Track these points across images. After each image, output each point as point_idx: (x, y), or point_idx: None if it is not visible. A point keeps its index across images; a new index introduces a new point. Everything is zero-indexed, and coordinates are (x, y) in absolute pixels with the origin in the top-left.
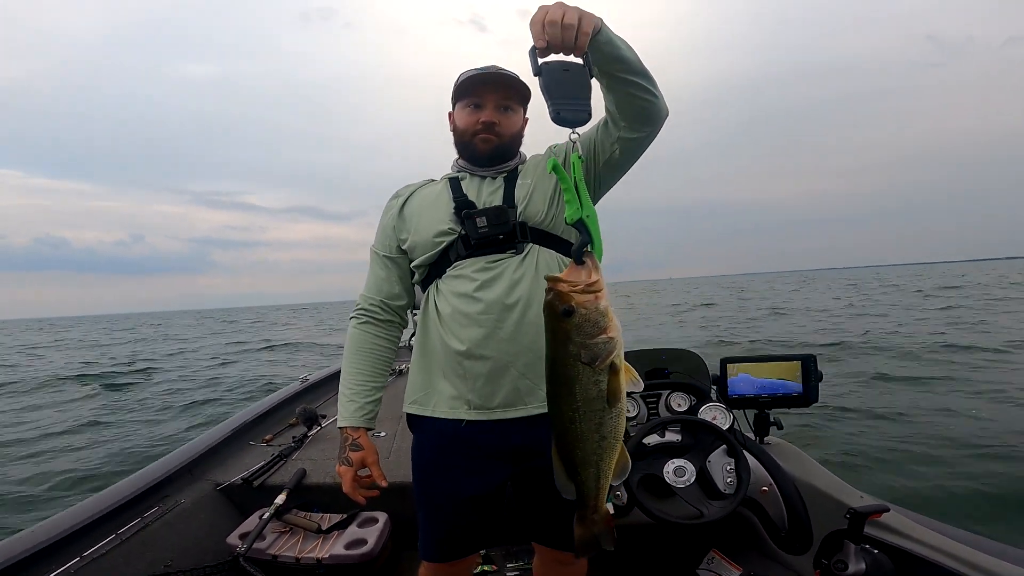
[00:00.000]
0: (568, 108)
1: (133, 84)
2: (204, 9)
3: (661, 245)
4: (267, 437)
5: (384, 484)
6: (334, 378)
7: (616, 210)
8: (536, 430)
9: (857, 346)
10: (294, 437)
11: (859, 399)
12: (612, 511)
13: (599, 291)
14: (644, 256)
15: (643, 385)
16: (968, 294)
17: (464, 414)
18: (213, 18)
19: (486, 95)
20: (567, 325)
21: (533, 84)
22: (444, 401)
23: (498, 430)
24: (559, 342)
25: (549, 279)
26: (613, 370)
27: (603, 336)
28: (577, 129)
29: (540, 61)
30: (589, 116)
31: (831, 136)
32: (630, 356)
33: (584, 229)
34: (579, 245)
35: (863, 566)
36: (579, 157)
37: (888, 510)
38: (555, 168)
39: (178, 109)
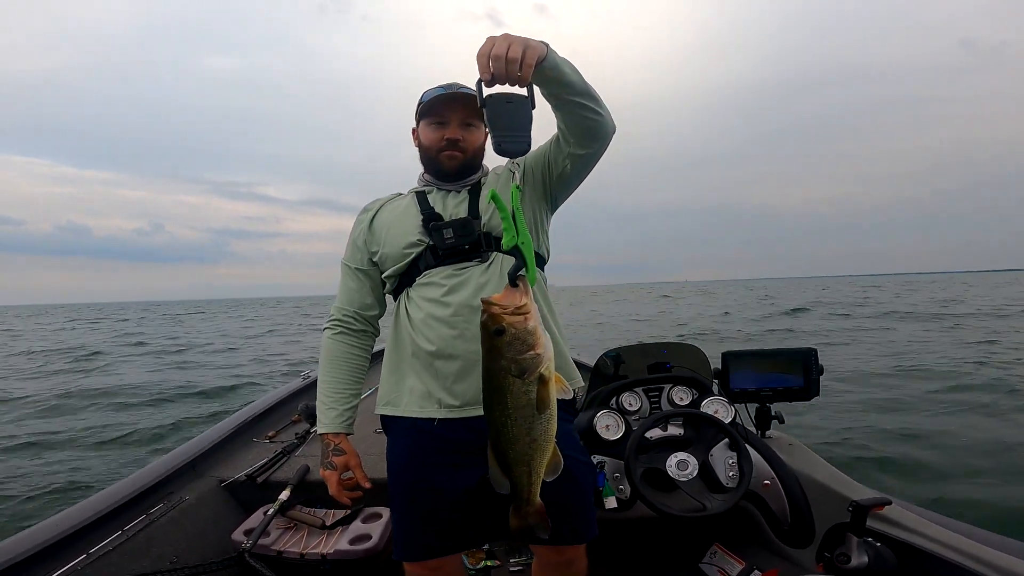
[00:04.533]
0: (509, 140)
1: (156, 76)
2: (226, 1)
3: (676, 248)
4: (270, 434)
5: (367, 485)
6: None
7: (644, 212)
8: None
9: None
10: (297, 434)
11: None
12: (616, 504)
13: (527, 313)
14: (660, 259)
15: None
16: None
17: (435, 412)
18: (234, 11)
19: (449, 113)
20: (499, 343)
21: None
22: (415, 400)
23: (470, 426)
24: (492, 357)
25: (484, 301)
26: (543, 381)
27: (531, 352)
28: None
29: (485, 93)
30: (528, 147)
31: (853, 143)
32: (633, 349)
33: (519, 255)
34: (514, 269)
35: (866, 559)
36: (518, 187)
37: (890, 503)
38: (493, 198)
39: (198, 101)
